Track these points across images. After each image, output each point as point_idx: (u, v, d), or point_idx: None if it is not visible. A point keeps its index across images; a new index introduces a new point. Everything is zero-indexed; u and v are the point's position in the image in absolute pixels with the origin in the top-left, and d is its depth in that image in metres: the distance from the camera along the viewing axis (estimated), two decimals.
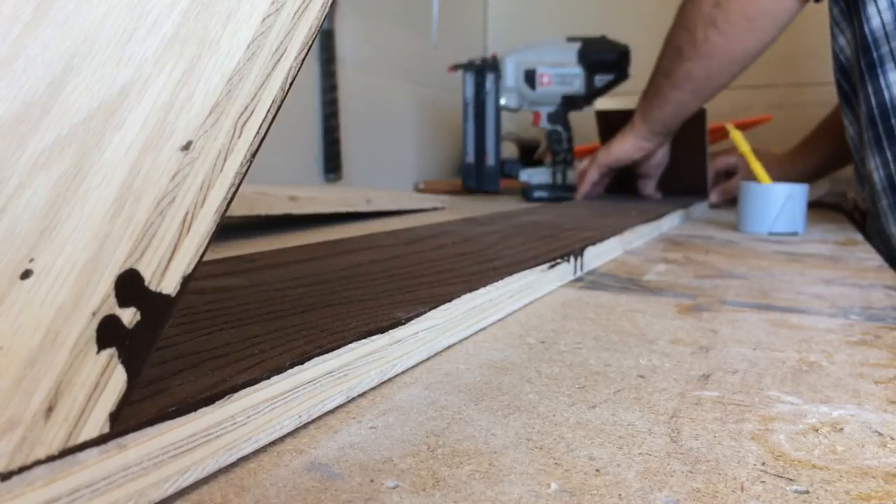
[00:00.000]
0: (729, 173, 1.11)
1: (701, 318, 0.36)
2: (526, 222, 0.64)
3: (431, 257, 0.41)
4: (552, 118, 1.14)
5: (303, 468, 0.18)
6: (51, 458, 0.13)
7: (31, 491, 0.12)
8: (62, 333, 0.13)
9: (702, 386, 0.25)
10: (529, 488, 0.17)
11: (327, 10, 0.19)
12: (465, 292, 0.30)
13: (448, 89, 1.49)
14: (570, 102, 1.13)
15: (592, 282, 0.45)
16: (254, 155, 0.17)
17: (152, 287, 0.14)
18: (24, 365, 0.13)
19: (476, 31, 1.81)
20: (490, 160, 1.24)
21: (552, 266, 0.41)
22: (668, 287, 0.44)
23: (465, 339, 0.31)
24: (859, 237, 0.74)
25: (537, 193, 1.15)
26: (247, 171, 0.17)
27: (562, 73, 1.11)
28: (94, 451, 0.13)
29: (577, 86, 1.11)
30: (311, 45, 0.18)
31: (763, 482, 0.18)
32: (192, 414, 0.16)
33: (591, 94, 1.11)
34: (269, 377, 0.18)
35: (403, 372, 0.26)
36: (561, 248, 0.46)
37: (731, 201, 1.07)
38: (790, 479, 0.18)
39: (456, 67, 1.23)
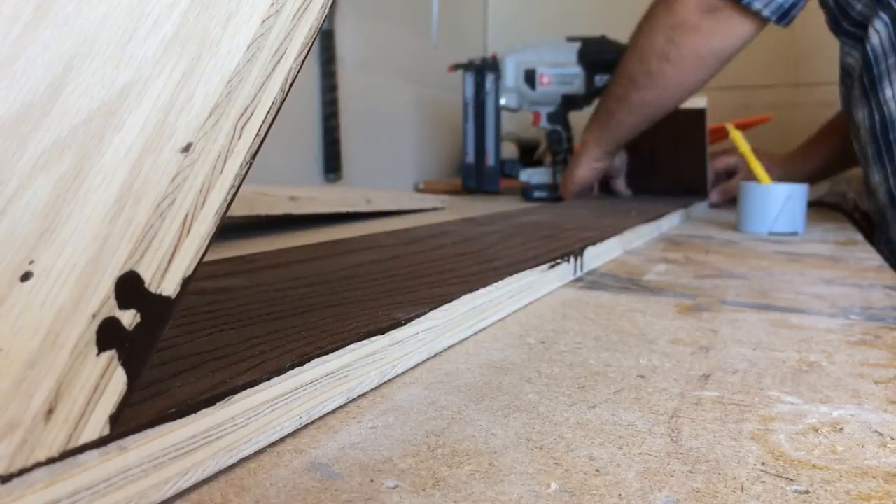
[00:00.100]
0: (729, 173, 1.11)
1: (701, 318, 0.36)
2: (526, 222, 0.64)
3: (431, 257, 0.41)
4: (552, 118, 1.14)
5: (303, 468, 0.18)
6: (51, 461, 0.13)
7: (31, 493, 0.12)
8: (62, 335, 0.13)
9: (702, 386, 0.25)
10: (529, 488, 0.17)
11: (327, 11, 0.19)
12: (465, 293, 0.30)
13: (448, 89, 1.49)
14: (570, 102, 1.13)
15: (592, 282, 0.45)
16: (254, 156, 0.17)
17: (152, 289, 0.14)
18: (24, 367, 0.13)
19: (476, 31, 1.81)
20: (490, 160, 1.24)
21: (552, 266, 0.41)
22: (668, 287, 0.44)
23: (465, 339, 0.31)
24: (859, 237, 0.74)
25: (537, 193, 1.15)
26: (246, 172, 0.17)
27: (562, 73, 1.11)
28: (94, 453, 0.13)
29: (577, 86, 1.11)
30: (310, 47, 0.18)
31: (763, 482, 0.18)
32: (193, 416, 0.16)
33: (591, 93, 1.11)
34: (269, 378, 0.18)
35: (403, 372, 0.26)
36: (561, 248, 0.46)
37: (731, 201, 1.07)
38: (790, 479, 0.18)
39: (456, 67, 1.23)
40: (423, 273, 0.35)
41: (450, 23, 1.61)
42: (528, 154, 1.55)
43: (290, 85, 0.18)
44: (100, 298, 0.13)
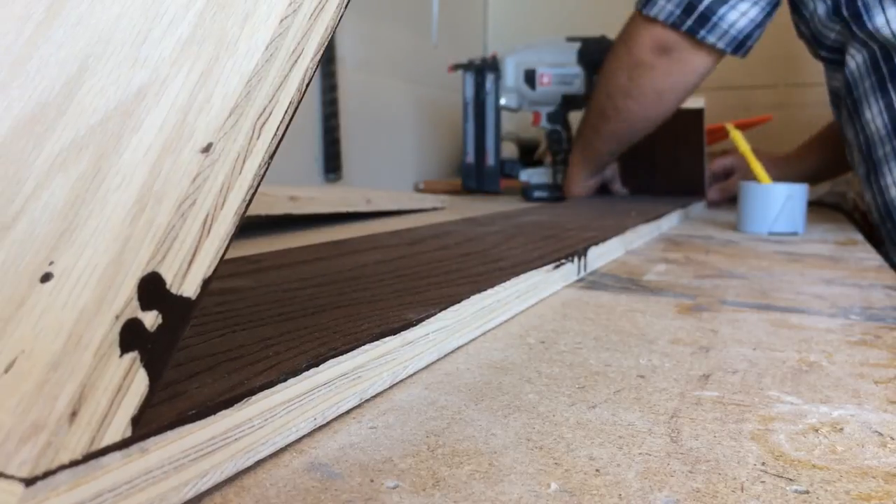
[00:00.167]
0: (727, 175, 1.11)
1: (701, 318, 0.36)
2: (527, 222, 0.64)
3: (437, 258, 0.41)
4: (552, 118, 1.14)
5: (303, 468, 0.18)
6: (75, 463, 0.12)
7: (55, 496, 0.12)
8: (85, 337, 0.13)
9: (702, 386, 0.25)
10: (529, 488, 0.17)
11: (343, 11, 0.19)
12: (473, 293, 0.30)
13: (448, 89, 1.49)
14: (570, 102, 1.13)
15: (593, 282, 0.45)
16: (272, 157, 0.17)
17: (173, 290, 0.14)
18: (47, 369, 0.13)
19: (476, 31, 1.81)
20: (490, 160, 1.24)
21: (557, 266, 0.41)
22: (668, 287, 0.44)
23: (473, 339, 0.31)
24: (859, 237, 0.74)
25: (537, 193, 1.15)
26: (265, 173, 0.17)
27: (562, 73, 1.11)
28: (116, 455, 0.13)
29: (577, 86, 1.11)
30: (326, 46, 0.18)
31: (763, 482, 0.18)
32: (212, 417, 0.16)
33: (591, 93, 1.11)
34: (285, 379, 0.18)
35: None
36: (564, 248, 0.46)
37: (729, 200, 1.08)
38: (790, 479, 0.18)
39: (456, 67, 1.23)
40: (429, 273, 0.35)
41: (450, 23, 1.61)
42: (528, 154, 1.55)
43: (307, 85, 0.18)
44: (123, 299, 0.13)
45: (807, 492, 0.17)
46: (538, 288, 0.38)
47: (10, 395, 0.13)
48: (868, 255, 0.60)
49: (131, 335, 0.13)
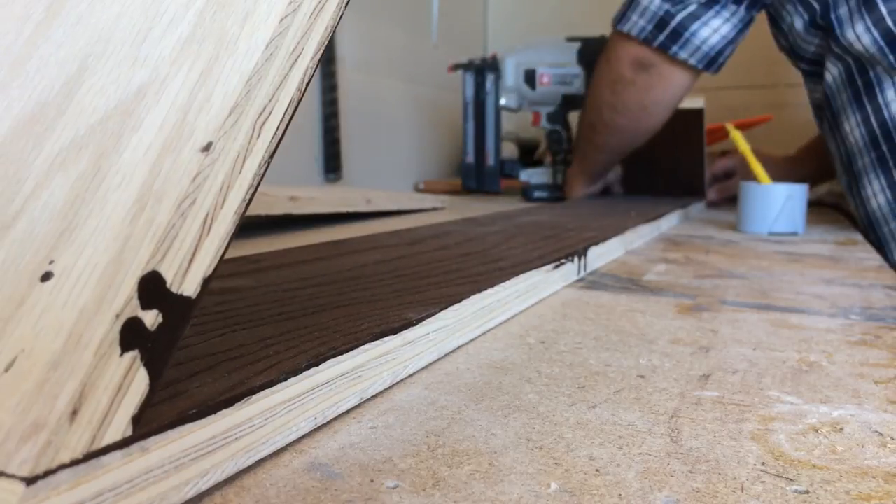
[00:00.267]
0: (728, 176, 1.11)
1: (701, 318, 0.36)
2: (527, 222, 0.64)
3: (437, 257, 0.41)
4: (552, 118, 1.14)
5: (303, 468, 0.18)
6: (75, 462, 0.12)
7: (55, 495, 0.12)
8: (85, 336, 0.13)
9: (702, 386, 0.25)
10: (529, 488, 0.17)
11: (343, 10, 0.19)
12: (473, 293, 0.30)
13: (448, 89, 1.49)
14: (570, 102, 1.13)
15: (592, 282, 0.45)
16: (272, 156, 0.17)
17: (174, 289, 0.14)
18: (48, 368, 0.13)
19: (476, 31, 1.81)
20: (490, 160, 1.24)
21: (557, 266, 0.41)
22: (668, 287, 0.44)
23: (473, 339, 0.31)
24: (859, 237, 0.74)
25: (537, 193, 1.15)
26: (265, 172, 0.17)
27: (562, 73, 1.11)
28: (117, 454, 0.13)
29: (576, 86, 1.11)
30: (325, 46, 0.18)
31: (763, 482, 0.18)
32: (212, 416, 0.16)
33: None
34: (285, 379, 0.18)
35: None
36: (565, 248, 0.46)
37: (729, 200, 1.07)
38: (790, 479, 0.18)
39: (456, 67, 1.23)
40: (429, 273, 0.35)
41: (450, 23, 1.61)
42: (528, 154, 1.55)
43: (307, 84, 0.18)
44: (123, 298, 0.13)
45: (807, 492, 0.17)
46: (538, 288, 0.38)
47: (11, 394, 0.13)
48: (868, 255, 0.60)
49: (131, 334, 0.13)
